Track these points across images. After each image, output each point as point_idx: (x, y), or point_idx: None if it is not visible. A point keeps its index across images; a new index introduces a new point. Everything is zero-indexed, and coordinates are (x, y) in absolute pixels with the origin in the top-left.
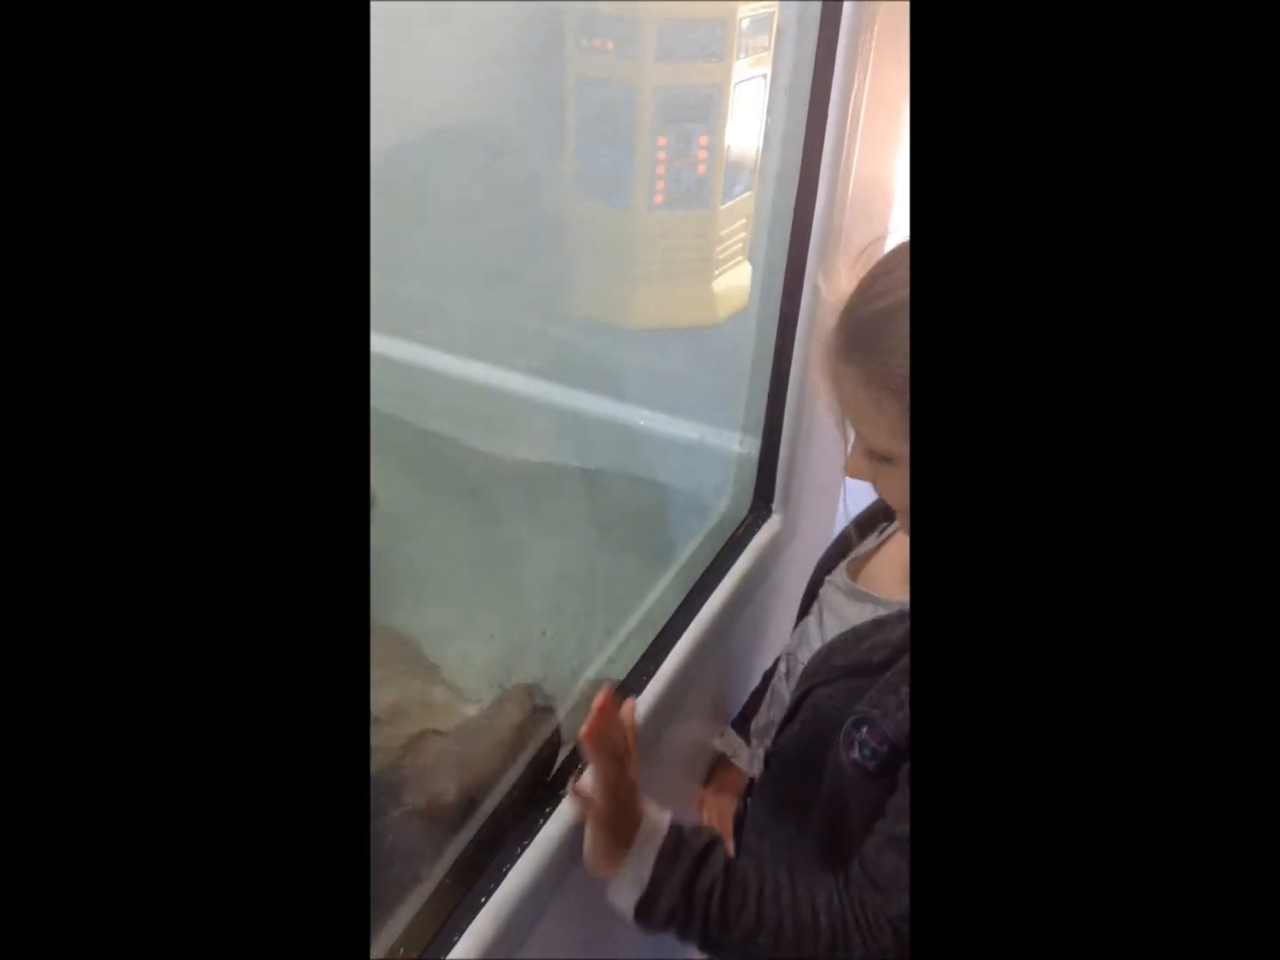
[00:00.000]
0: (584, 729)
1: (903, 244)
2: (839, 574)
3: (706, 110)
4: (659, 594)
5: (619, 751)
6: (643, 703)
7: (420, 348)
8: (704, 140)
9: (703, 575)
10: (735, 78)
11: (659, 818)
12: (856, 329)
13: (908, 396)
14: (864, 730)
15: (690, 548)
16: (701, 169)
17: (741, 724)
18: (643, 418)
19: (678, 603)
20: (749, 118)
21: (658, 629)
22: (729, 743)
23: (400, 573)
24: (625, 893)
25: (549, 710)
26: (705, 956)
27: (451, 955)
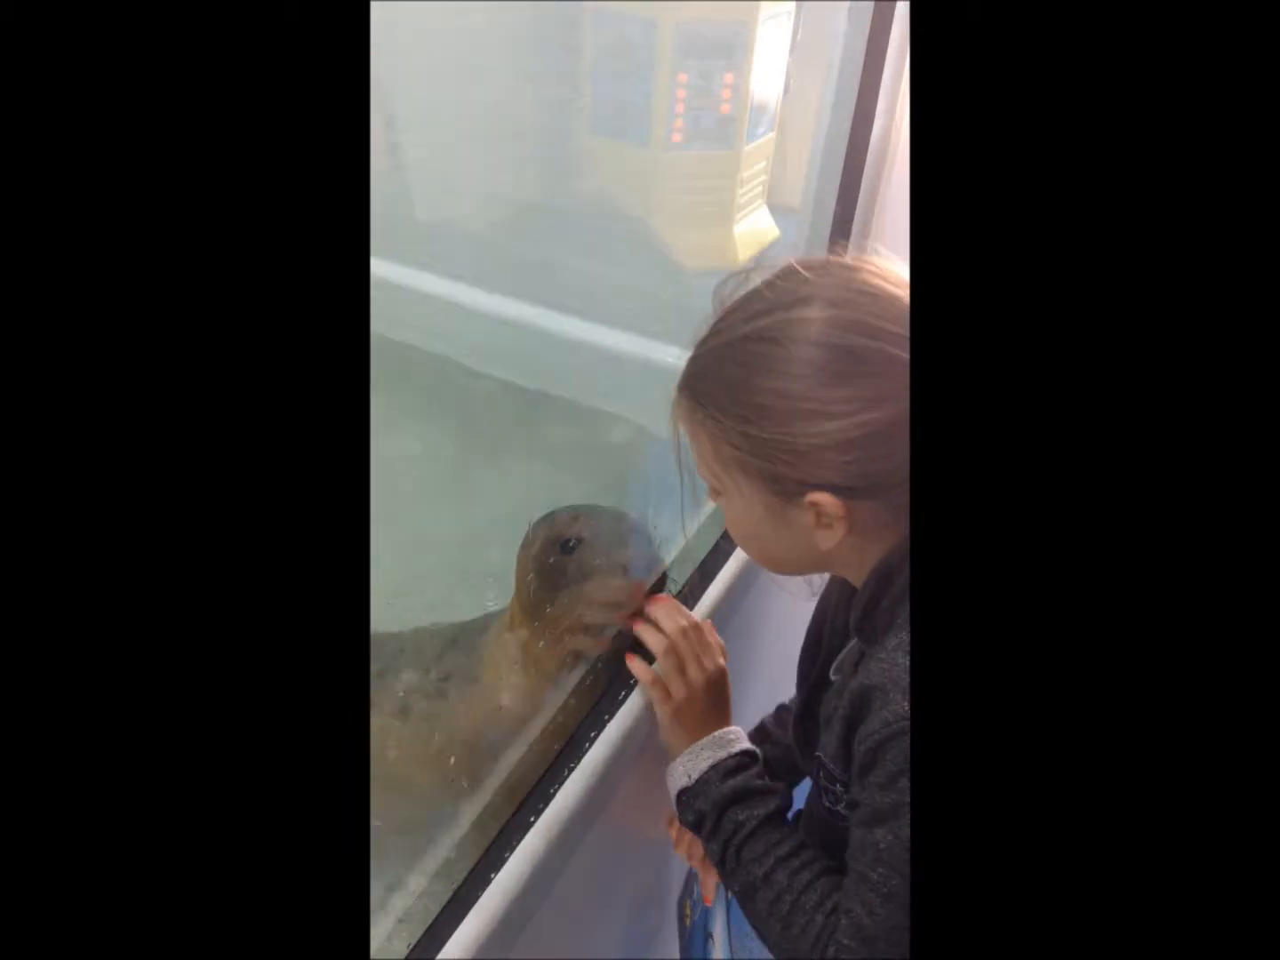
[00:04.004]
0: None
1: (756, 288)
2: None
3: (731, 47)
4: (698, 527)
5: (685, 633)
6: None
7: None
8: (729, 79)
9: None
10: (761, 15)
11: (738, 735)
12: (691, 364)
13: (725, 439)
14: (821, 775)
15: None
16: (726, 108)
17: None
18: (672, 355)
19: (716, 538)
20: (774, 57)
21: (697, 563)
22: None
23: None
24: (675, 777)
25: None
26: None
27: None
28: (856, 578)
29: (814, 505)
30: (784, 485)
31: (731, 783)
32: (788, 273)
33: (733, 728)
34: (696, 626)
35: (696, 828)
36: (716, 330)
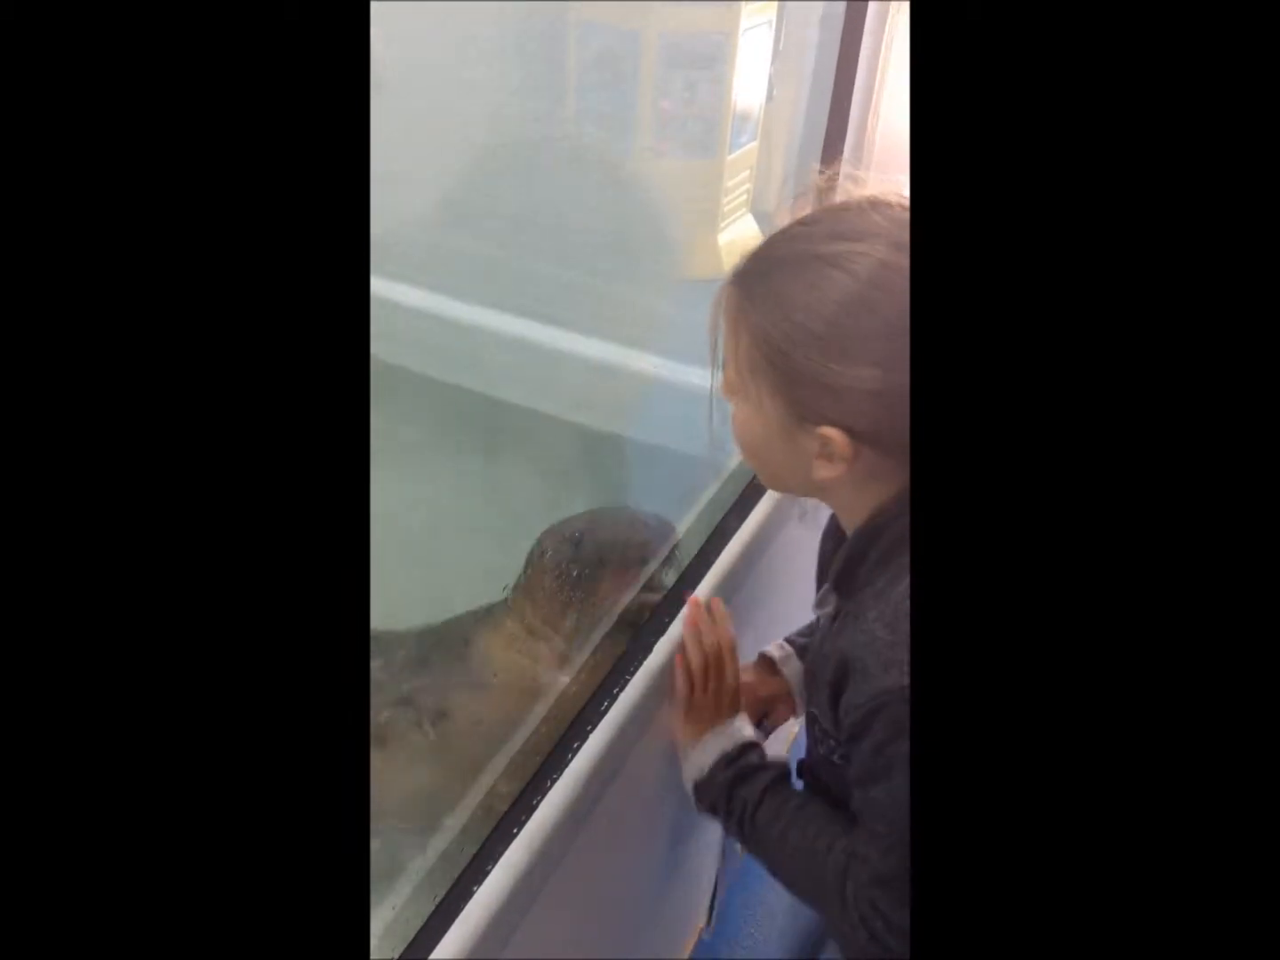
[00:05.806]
0: (685, 623)
1: (842, 204)
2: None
3: (713, 57)
4: (682, 533)
5: (718, 651)
6: (662, 644)
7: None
8: (711, 88)
9: (725, 515)
10: (743, 24)
11: (741, 725)
12: (754, 261)
13: (762, 349)
14: (816, 728)
15: (713, 488)
16: (708, 117)
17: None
18: (653, 364)
19: (700, 544)
20: (755, 66)
21: (681, 568)
22: (780, 647)
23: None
24: (688, 770)
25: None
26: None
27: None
28: (844, 515)
29: (824, 438)
30: (803, 411)
31: (735, 767)
32: (876, 204)
33: (737, 717)
34: (725, 648)
35: (713, 813)
36: (790, 237)
